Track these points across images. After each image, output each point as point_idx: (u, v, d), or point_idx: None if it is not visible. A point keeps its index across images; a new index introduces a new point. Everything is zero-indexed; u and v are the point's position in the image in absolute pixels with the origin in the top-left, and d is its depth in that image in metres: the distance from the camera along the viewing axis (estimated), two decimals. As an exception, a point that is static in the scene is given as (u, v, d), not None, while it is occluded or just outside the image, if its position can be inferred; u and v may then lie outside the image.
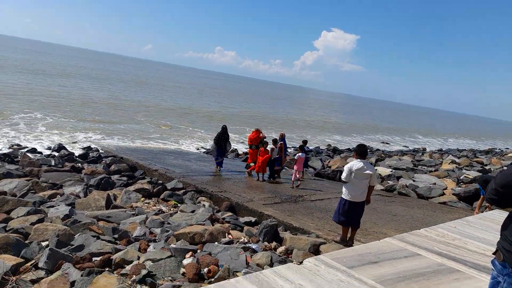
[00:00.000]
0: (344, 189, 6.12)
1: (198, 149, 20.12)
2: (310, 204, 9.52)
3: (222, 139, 12.66)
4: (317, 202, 9.85)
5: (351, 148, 28.88)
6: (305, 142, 13.45)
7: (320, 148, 27.03)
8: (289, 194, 10.33)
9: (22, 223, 6.32)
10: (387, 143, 37.24)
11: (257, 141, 12.34)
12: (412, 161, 19.77)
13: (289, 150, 20.57)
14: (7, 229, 6.11)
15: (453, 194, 11.91)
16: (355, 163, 5.93)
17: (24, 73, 44.47)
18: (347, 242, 6.43)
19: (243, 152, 20.24)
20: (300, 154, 11.59)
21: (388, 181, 13.77)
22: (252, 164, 12.48)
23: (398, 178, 14.45)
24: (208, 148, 19.67)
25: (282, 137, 12.80)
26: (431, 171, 16.54)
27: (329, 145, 29.21)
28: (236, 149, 20.88)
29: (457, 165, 18.41)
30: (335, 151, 25.32)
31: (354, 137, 38.44)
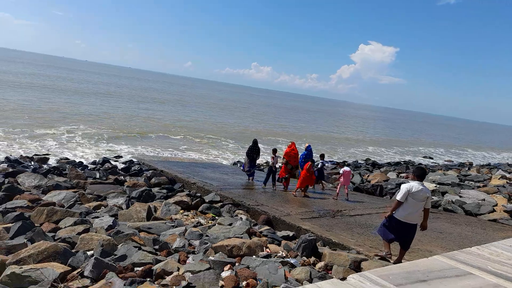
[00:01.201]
0: (402, 211, 5.87)
1: (234, 163, 20.27)
2: (350, 219, 9.25)
3: (253, 152, 13.15)
4: (356, 217, 9.57)
5: (391, 162, 28.00)
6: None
7: (359, 162, 26.39)
8: (327, 209, 10.11)
9: (69, 232, 6.60)
10: (430, 158, 35.72)
11: (295, 159, 12.23)
12: (458, 176, 18.79)
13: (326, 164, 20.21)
14: (56, 238, 6.42)
15: (505, 211, 11.16)
16: (414, 185, 5.76)
17: (72, 93, 47.25)
18: (391, 259, 6.20)
19: (278, 166, 20.11)
20: (345, 168, 11.61)
21: (433, 197, 13.13)
22: (283, 179, 12.44)
23: (443, 193, 13.76)
24: (242, 161, 19.83)
25: (307, 149, 12.61)
26: (479, 187, 15.63)
27: (368, 158, 28.46)
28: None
29: (507, 180, 17.27)
30: (374, 165, 24.59)
31: (394, 150, 37.26)
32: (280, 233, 7.90)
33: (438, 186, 14.94)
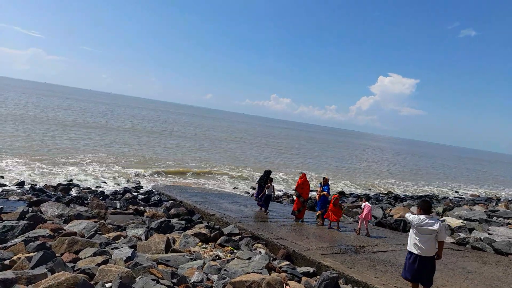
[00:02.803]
0: (409, 241, 6.03)
1: (252, 195, 20.14)
2: (372, 256, 8.94)
3: (265, 182, 13.34)
4: (379, 253, 9.23)
5: (414, 196, 27.25)
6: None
7: (380, 195, 25.78)
8: (349, 244, 9.81)
9: (89, 263, 6.59)
10: (456, 191, 34.59)
11: (308, 191, 12.48)
12: (485, 211, 18.03)
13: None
14: (75, 268, 6.41)
15: (539, 250, 10.56)
16: (415, 217, 5.93)
17: (95, 127, 48.73)
18: None
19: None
20: (367, 203, 11.41)
21: (459, 234, 12.62)
22: (296, 212, 12.49)
23: (471, 230, 13.19)
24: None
25: (326, 183, 12.27)
26: (508, 224, 14.91)
27: (390, 192, 27.80)
28: (291, 195, 20.61)
29: (540, 217, 16.42)
30: (397, 198, 23.96)
31: (418, 183, 36.27)
32: (300, 269, 7.68)
33: (465, 222, 14.35)
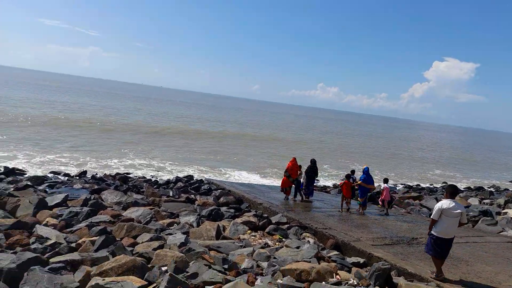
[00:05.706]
0: (437, 227, 6.42)
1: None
2: (427, 248, 8.57)
3: (312, 171, 13.48)
4: (434, 246, 8.83)
5: (472, 187, 25.68)
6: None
7: (434, 186, 24.58)
8: (401, 235, 9.50)
9: (146, 248, 6.98)
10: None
11: (292, 170, 13.09)
12: (554, 203, 16.56)
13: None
14: (134, 252, 6.83)
15: None
16: (445, 202, 6.33)
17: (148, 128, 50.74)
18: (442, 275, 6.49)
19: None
20: (385, 185, 12.66)
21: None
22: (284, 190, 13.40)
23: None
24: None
25: (364, 172, 12.29)
26: None
27: (445, 182, 26.40)
28: (338, 185, 20.27)
29: None
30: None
31: (473, 175, 34.08)
32: (349, 259, 7.58)
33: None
